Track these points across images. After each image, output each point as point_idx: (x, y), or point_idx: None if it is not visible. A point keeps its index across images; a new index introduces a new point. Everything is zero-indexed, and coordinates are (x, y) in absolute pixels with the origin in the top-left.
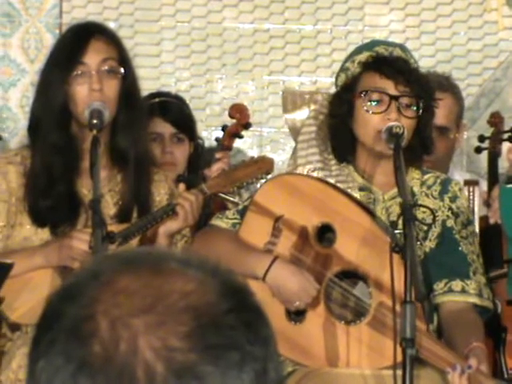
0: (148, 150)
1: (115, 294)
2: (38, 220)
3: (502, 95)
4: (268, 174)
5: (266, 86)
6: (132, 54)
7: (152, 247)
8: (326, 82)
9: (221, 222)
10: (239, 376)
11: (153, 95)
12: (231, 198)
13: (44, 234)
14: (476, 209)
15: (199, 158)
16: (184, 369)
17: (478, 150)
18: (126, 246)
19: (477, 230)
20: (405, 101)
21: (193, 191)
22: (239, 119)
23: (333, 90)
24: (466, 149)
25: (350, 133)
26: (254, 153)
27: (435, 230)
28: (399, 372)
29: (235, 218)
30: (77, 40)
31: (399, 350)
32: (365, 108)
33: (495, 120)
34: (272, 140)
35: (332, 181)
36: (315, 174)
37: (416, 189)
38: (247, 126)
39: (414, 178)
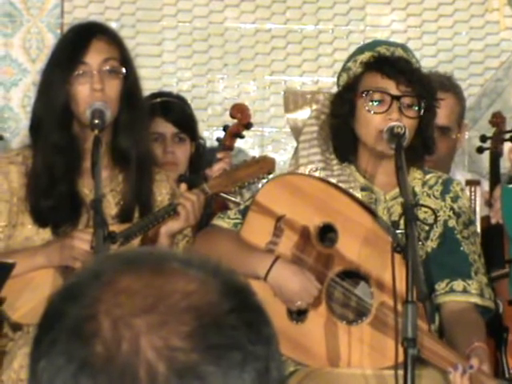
0: (149, 150)
1: (117, 294)
2: (40, 220)
3: (504, 95)
4: (269, 173)
5: (267, 85)
6: (133, 53)
7: (153, 247)
8: (328, 82)
9: (222, 221)
10: (241, 376)
11: (154, 95)
12: (233, 198)
13: (45, 233)
14: (478, 209)
15: (201, 158)
16: (186, 369)
17: (480, 150)
18: (127, 246)
19: (478, 230)
20: (406, 101)
21: (194, 191)
22: (240, 119)
23: (334, 89)
24: (467, 149)
25: (351, 133)
26: (255, 153)
27: (437, 230)
28: (401, 372)
29: (237, 218)
30: (78, 40)
31: (401, 349)
32: (366, 108)
33: (497, 120)
34: (273, 140)
35: (334, 181)
36: (317, 174)
37: (418, 189)
38: (248, 125)
39: (415, 177)
